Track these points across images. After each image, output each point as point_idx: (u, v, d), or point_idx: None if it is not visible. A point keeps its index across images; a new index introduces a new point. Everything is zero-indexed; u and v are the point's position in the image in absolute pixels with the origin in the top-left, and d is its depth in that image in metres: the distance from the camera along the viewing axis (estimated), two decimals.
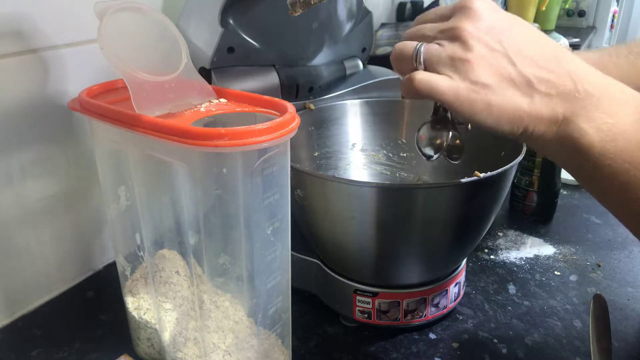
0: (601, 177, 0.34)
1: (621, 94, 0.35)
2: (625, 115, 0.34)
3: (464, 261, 0.60)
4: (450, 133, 0.43)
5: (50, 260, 0.59)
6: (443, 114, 0.43)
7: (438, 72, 0.36)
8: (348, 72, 0.76)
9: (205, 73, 0.59)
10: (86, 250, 0.63)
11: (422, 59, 0.37)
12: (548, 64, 0.35)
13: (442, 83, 0.35)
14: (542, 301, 0.60)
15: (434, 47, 0.36)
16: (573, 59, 0.36)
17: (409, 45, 0.38)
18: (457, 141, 0.43)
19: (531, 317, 0.58)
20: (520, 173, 0.77)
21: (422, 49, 0.37)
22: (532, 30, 0.37)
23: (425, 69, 0.37)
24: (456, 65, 0.35)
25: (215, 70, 0.60)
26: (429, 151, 0.43)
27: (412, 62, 0.37)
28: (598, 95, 0.34)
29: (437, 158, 0.44)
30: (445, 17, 0.38)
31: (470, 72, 0.35)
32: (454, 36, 0.36)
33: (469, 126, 0.41)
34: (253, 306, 0.42)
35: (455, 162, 0.45)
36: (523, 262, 0.68)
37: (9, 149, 0.53)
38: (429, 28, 0.38)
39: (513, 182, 0.78)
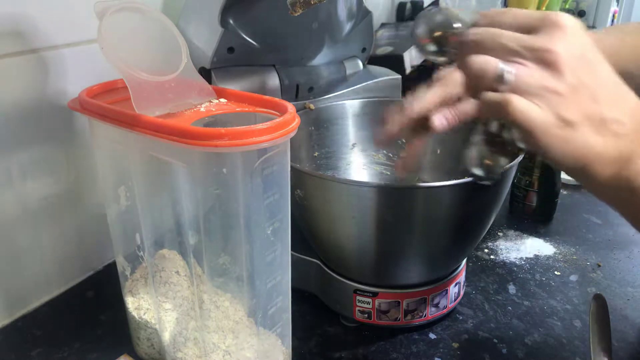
0: None
1: None
2: None
3: (464, 261, 0.60)
4: (506, 159, 0.40)
5: (50, 260, 0.59)
6: (496, 135, 0.38)
7: (524, 99, 0.33)
8: (348, 72, 0.76)
9: (205, 73, 0.59)
10: (86, 250, 0.63)
11: (507, 81, 0.33)
12: (619, 103, 0.34)
13: (537, 115, 0.33)
14: (542, 301, 0.60)
15: (523, 72, 0.33)
16: (632, 94, 0.35)
17: (492, 63, 0.34)
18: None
19: (531, 317, 0.58)
20: (520, 173, 0.77)
21: (509, 71, 0.33)
22: (605, 61, 0.35)
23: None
24: (547, 96, 0.33)
25: (215, 70, 0.60)
26: (478, 171, 0.40)
27: (491, 82, 0.34)
28: None
29: (487, 180, 0.41)
30: (527, 29, 0.34)
31: (560, 107, 0.33)
32: (546, 60, 0.33)
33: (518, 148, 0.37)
34: (253, 306, 0.42)
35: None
36: (523, 262, 0.68)
37: (9, 149, 0.53)
38: (510, 38, 0.34)
39: (513, 182, 0.78)
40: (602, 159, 0.34)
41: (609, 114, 0.33)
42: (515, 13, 0.36)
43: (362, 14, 0.74)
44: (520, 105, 0.33)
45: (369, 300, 0.54)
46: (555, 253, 0.70)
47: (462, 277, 0.59)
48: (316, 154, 0.68)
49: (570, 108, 0.33)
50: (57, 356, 0.52)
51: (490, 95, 0.34)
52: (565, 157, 0.34)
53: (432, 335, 0.55)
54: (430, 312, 0.55)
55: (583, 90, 0.33)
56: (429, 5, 1.51)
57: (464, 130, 0.67)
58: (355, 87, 0.74)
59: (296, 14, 0.46)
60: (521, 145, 0.35)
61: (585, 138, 0.33)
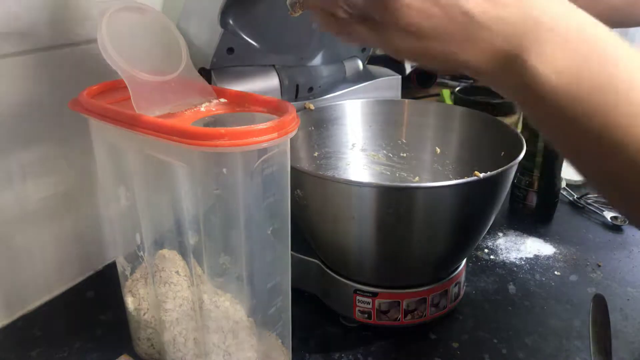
0: (557, 120, 0.31)
1: (578, 32, 0.30)
2: (580, 53, 0.29)
3: (464, 261, 0.60)
4: None
5: (50, 260, 0.59)
6: None
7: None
8: (348, 72, 0.76)
9: (205, 73, 0.59)
10: (86, 250, 0.63)
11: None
12: None
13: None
14: (542, 301, 0.60)
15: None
16: None
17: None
18: None
19: (531, 317, 0.58)
20: (520, 173, 0.77)
21: None
22: None
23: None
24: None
25: (215, 70, 0.60)
26: None
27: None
28: (552, 27, 0.29)
29: None
30: None
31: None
32: None
33: None
34: (253, 306, 0.42)
35: None
36: (523, 262, 0.68)
37: (9, 149, 0.53)
38: None
39: (513, 182, 0.78)
40: (475, 60, 0.31)
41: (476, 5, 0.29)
42: None
43: None
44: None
45: (369, 300, 0.54)
46: (555, 253, 0.70)
47: (462, 277, 0.59)
48: (316, 154, 0.68)
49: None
50: (57, 356, 0.52)
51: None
52: (432, 65, 0.33)
53: (432, 335, 0.55)
54: (430, 312, 0.55)
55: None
56: None
57: (463, 130, 0.67)
58: (355, 87, 0.74)
59: (296, 15, 0.45)
60: None
61: (443, 48, 0.31)
